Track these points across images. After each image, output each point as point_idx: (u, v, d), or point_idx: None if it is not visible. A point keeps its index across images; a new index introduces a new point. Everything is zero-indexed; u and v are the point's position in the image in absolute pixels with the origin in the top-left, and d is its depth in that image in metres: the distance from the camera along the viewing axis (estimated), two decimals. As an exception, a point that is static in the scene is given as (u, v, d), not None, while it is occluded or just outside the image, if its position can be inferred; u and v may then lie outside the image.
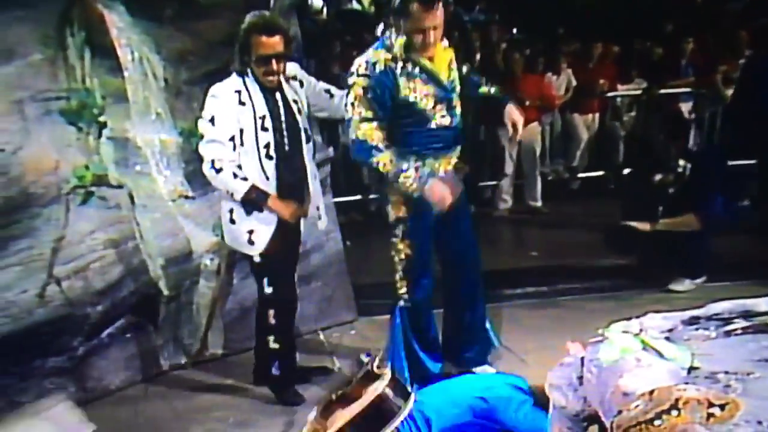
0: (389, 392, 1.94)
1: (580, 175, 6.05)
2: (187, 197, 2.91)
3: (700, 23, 6.24)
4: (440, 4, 2.31)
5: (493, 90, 2.70)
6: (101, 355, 2.75)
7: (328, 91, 2.64)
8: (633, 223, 3.63)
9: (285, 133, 2.47)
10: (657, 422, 1.44)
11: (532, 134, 5.48)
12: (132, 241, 2.79)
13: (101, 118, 2.70)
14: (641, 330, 1.69)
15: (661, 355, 1.60)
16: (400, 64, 2.39)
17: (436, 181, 2.40)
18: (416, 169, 2.39)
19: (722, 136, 5.29)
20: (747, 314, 1.69)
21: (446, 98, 2.47)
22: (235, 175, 2.41)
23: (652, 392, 1.48)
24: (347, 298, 3.36)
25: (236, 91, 2.43)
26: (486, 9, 8.03)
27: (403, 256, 2.54)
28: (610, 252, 3.85)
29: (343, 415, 1.90)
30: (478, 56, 6.03)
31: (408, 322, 2.59)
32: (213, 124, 2.40)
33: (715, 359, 1.57)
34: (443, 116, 2.46)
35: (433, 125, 2.45)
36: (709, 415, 1.44)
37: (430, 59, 2.43)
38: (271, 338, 2.60)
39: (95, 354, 2.73)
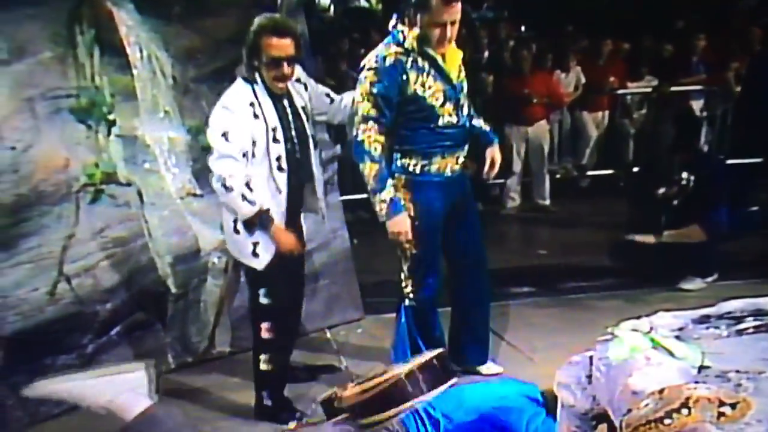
0: (406, 381, 1.93)
1: (589, 173, 6.02)
2: (195, 195, 2.92)
3: (712, 20, 6.19)
4: None
5: (487, 127, 2.70)
6: (110, 352, 2.75)
7: (328, 95, 2.60)
8: (637, 237, 3.62)
9: (295, 141, 2.42)
10: (667, 421, 1.43)
11: (541, 132, 5.46)
12: (141, 239, 2.79)
13: (110, 116, 2.70)
14: (651, 328, 1.68)
15: (671, 353, 1.59)
16: (411, 58, 2.38)
17: (401, 216, 2.41)
18: (391, 198, 2.39)
19: (733, 135, 5.25)
20: (758, 313, 1.67)
21: (455, 97, 2.46)
22: (244, 197, 2.31)
23: (662, 391, 1.47)
24: (354, 297, 3.35)
25: (250, 104, 2.33)
26: (494, 6, 8.02)
27: (408, 254, 2.54)
28: (616, 264, 3.82)
29: (357, 388, 1.93)
30: (486, 54, 6.02)
31: (413, 320, 2.59)
32: (227, 139, 2.29)
33: (726, 358, 1.56)
34: (451, 114, 2.46)
35: (440, 123, 2.45)
36: (720, 414, 1.42)
37: (442, 56, 2.42)
38: (263, 357, 2.46)
39: (104, 352, 2.74)
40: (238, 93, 2.37)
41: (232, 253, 2.53)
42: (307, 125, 2.48)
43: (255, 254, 2.39)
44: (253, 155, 2.34)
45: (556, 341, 2.91)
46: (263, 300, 2.45)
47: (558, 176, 5.85)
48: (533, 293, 3.66)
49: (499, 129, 5.43)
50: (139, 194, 2.80)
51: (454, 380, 1.95)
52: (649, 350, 1.61)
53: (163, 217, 2.85)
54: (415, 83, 2.38)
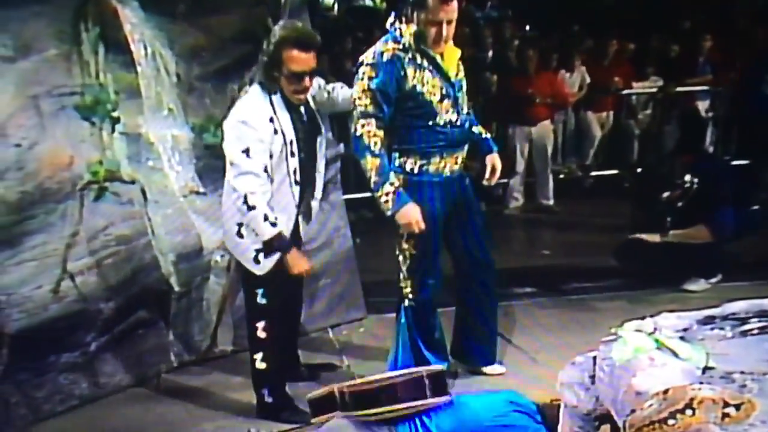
0: (426, 380, 1.95)
1: (594, 173, 6.00)
2: (198, 193, 2.92)
3: (719, 21, 6.16)
4: None
5: (486, 135, 2.70)
6: (113, 351, 2.76)
7: (327, 91, 2.58)
8: (642, 236, 3.62)
9: (308, 153, 2.41)
10: (671, 421, 1.43)
11: (545, 132, 5.45)
12: (144, 237, 2.79)
13: (114, 114, 2.70)
14: (655, 329, 1.67)
15: (675, 354, 1.59)
16: (408, 54, 2.38)
17: (409, 205, 2.39)
18: (395, 189, 2.37)
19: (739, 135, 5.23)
20: (763, 314, 1.66)
21: (453, 95, 2.46)
22: (266, 218, 2.27)
23: (666, 391, 1.46)
24: (356, 296, 3.35)
25: (270, 119, 2.29)
26: (499, 5, 8.00)
27: (407, 255, 2.53)
28: (621, 264, 3.81)
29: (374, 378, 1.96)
30: (490, 53, 6.01)
31: (413, 321, 2.58)
32: (248, 155, 2.25)
33: (730, 359, 1.56)
34: (449, 111, 2.44)
35: (439, 121, 2.44)
36: (724, 415, 1.42)
37: (440, 55, 2.42)
38: (259, 356, 2.44)
39: (108, 350, 2.74)
40: (257, 106, 2.30)
41: (232, 253, 2.53)
42: (319, 138, 2.47)
43: (256, 261, 2.38)
44: (272, 169, 2.31)
45: (560, 341, 2.90)
46: (261, 300, 2.44)
47: (561, 176, 5.84)
48: (536, 293, 3.65)
49: (502, 129, 5.44)
50: (143, 192, 2.80)
51: (446, 398, 1.96)
52: (653, 351, 1.60)
53: (166, 215, 2.85)
54: (413, 78, 2.38)
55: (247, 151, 2.27)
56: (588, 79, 5.75)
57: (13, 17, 2.46)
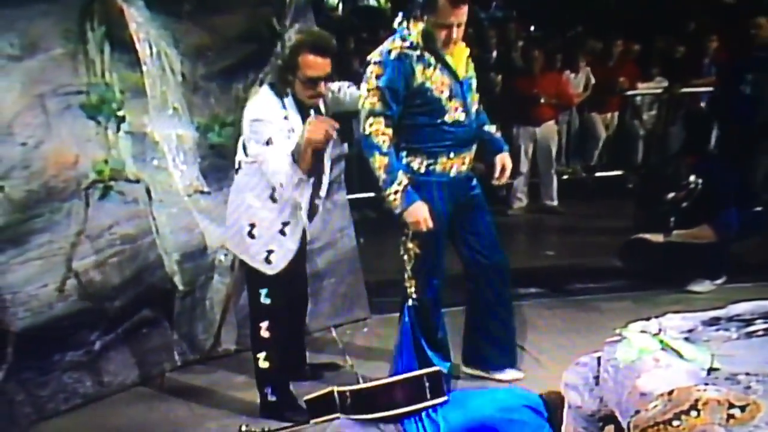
0: (426, 382, 1.96)
1: (598, 174, 5.99)
2: (202, 192, 2.92)
3: (724, 21, 6.13)
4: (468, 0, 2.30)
5: (498, 134, 2.69)
6: (117, 349, 2.77)
7: (333, 91, 2.57)
8: (646, 236, 3.61)
9: (318, 155, 2.40)
10: (676, 423, 1.42)
11: (549, 132, 5.44)
12: (148, 237, 2.80)
13: (120, 113, 2.71)
14: (660, 330, 1.66)
15: (680, 355, 1.58)
16: (416, 52, 2.37)
17: (417, 204, 2.38)
18: (404, 187, 2.37)
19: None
20: (769, 316, 1.65)
21: (462, 93, 2.45)
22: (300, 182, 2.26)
23: (671, 392, 1.46)
24: (360, 296, 3.35)
25: (285, 118, 2.30)
26: (503, 6, 7.99)
27: (412, 255, 2.52)
28: (625, 264, 3.81)
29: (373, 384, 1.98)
30: (494, 53, 6.00)
31: (417, 321, 2.57)
32: (270, 143, 2.25)
33: (735, 360, 1.55)
34: (458, 110, 2.44)
35: (447, 119, 2.43)
36: (729, 417, 1.41)
37: (449, 53, 2.42)
38: (262, 356, 2.45)
39: (112, 349, 2.75)
40: (270, 105, 2.30)
41: (239, 255, 2.52)
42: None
43: (268, 261, 2.39)
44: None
45: (564, 342, 2.90)
46: (264, 300, 2.44)
47: (566, 177, 5.83)
48: (540, 294, 3.64)
49: (507, 129, 5.42)
50: (148, 191, 2.80)
51: (444, 399, 1.97)
52: (658, 352, 1.59)
53: (170, 215, 2.85)
54: (421, 75, 2.37)
55: (269, 141, 2.26)
56: (593, 80, 5.73)
57: (19, 16, 2.47)
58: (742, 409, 1.42)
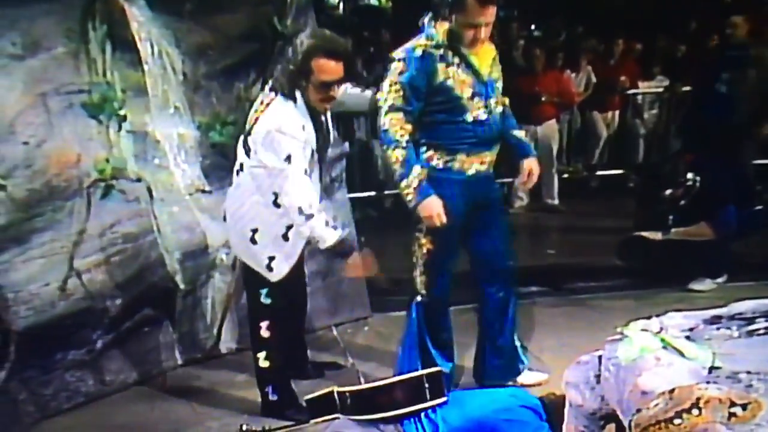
0: (426, 383, 1.96)
1: (599, 173, 5.99)
2: (203, 191, 2.93)
3: (725, 21, 6.12)
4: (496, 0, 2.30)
5: (527, 140, 2.69)
6: (119, 348, 2.77)
7: None
8: (644, 233, 3.62)
9: (321, 160, 2.41)
10: (677, 421, 1.42)
11: (550, 131, 5.44)
12: (150, 235, 2.80)
13: (121, 112, 2.71)
14: (661, 329, 1.66)
15: (681, 354, 1.58)
16: (440, 51, 2.37)
17: (431, 198, 2.38)
18: (419, 181, 2.37)
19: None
20: (770, 314, 1.65)
21: (485, 94, 2.44)
22: (327, 223, 2.27)
23: (672, 391, 1.46)
24: (361, 295, 3.35)
25: (302, 127, 2.29)
26: (505, 5, 7.97)
27: (425, 251, 2.50)
28: (622, 261, 3.81)
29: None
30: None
31: (423, 318, 2.57)
32: (290, 161, 2.25)
33: (737, 359, 1.55)
34: (479, 110, 2.42)
35: (468, 117, 2.41)
36: (731, 415, 1.41)
37: (474, 53, 2.41)
38: (262, 355, 2.45)
39: (114, 347, 2.75)
40: (289, 114, 2.29)
41: (241, 257, 2.52)
42: (328, 141, 2.47)
43: (269, 268, 2.39)
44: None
45: (565, 341, 2.90)
46: (264, 300, 2.44)
47: (566, 176, 5.83)
48: (542, 293, 3.64)
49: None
50: (149, 190, 2.81)
51: (443, 399, 1.97)
52: (660, 350, 1.60)
53: (172, 214, 2.86)
54: (443, 73, 2.37)
55: (288, 158, 2.26)
56: (594, 79, 5.73)
57: (21, 15, 2.47)
58: (744, 407, 1.42)
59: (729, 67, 3.61)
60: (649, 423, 1.46)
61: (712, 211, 3.50)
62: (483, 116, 2.43)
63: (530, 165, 2.59)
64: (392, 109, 2.37)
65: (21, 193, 2.49)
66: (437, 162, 2.45)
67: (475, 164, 2.47)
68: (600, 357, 1.72)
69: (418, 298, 2.56)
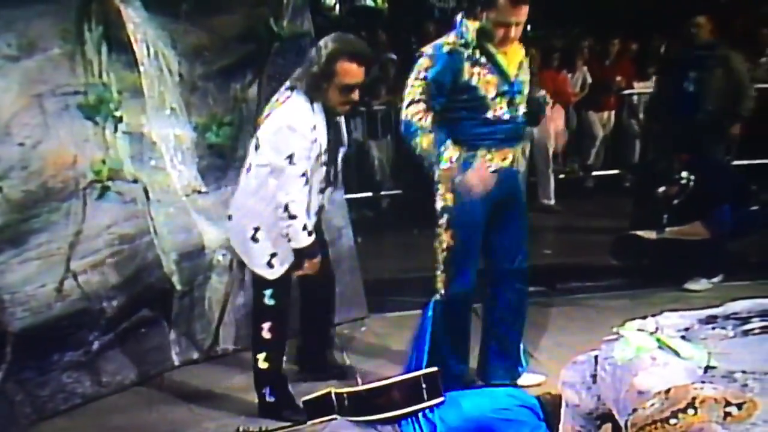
0: (423, 383, 1.96)
1: (595, 173, 6.00)
2: (200, 192, 2.93)
3: (721, 22, 6.15)
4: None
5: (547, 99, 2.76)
6: (116, 349, 2.76)
7: None
8: (639, 232, 3.62)
9: (331, 162, 2.40)
10: (673, 421, 1.43)
11: (546, 132, 5.44)
12: (146, 236, 2.80)
13: (117, 113, 2.71)
14: (657, 328, 1.67)
15: (677, 353, 1.59)
16: (468, 50, 2.37)
17: (475, 166, 2.38)
18: (459, 154, 2.36)
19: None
20: (765, 314, 1.67)
21: (509, 94, 2.42)
22: (305, 227, 2.31)
23: (668, 391, 1.47)
24: (358, 295, 3.35)
25: (313, 127, 2.29)
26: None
27: (445, 246, 2.46)
28: (617, 260, 3.81)
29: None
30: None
31: (440, 317, 2.50)
32: (292, 161, 2.26)
33: (732, 358, 1.56)
34: (502, 108, 2.42)
35: (489, 115, 2.41)
36: (726, 414, 1.42)
37: (503, 54, 2.41)
38: (262, 356, 2.45)
39: (110, 348, 2.74)
40: (303, 113, 2.29)
41: (240, 256, 2.52)
42: (342, 144, 2.47)
43: (270, 265, 2.39)
44: (310, 175, 2.32)
45: (561, 341, 2.91)
46: (268, 301, 2.44)
47: (563, 176, 5.84)
48: (538, 293, 3.62)
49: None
50: (145, 191, 2.81)
51: (440, 399, 1.98)
52: (655, 350, 1.60)
53: (168, 215, 2.85)
54: (468, 72, 2.37)
55: (291, 157, 2.26)
56: (590, 79, 5.75)
57: (17, 16, 2.47)
58: (739, 407, 1.42)
59: (694, 66, 3.63)
60: (645, 423, 1.47)
61: (707, 210, 3.51)
62: (505, 115, 2.43)
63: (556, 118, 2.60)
64: (413, 102, 2.36)
65: (17, 194, 2.48)
66: (458, 157, 2.41)
67: (497, 160, 2.45)
68: (596, 357, 1.72)
69: (437, 297, 2.51)
